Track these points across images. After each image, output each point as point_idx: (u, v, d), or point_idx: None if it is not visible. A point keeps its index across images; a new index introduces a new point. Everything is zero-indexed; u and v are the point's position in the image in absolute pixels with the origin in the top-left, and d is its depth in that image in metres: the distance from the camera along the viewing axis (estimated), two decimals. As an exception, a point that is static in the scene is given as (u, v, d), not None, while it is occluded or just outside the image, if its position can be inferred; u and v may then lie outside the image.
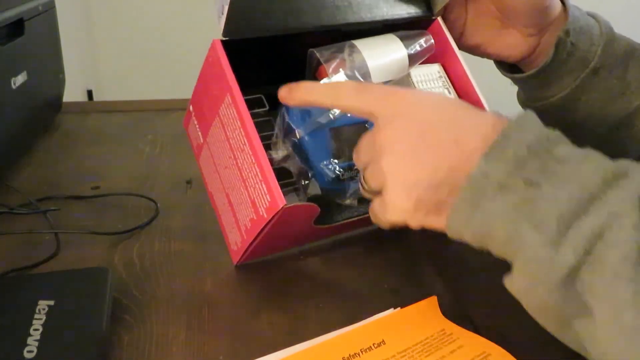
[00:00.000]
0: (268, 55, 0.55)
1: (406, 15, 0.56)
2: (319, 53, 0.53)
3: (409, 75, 0.55)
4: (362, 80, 0.52)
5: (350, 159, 0.51)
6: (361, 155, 0.44)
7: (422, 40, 0.55)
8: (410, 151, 0.39)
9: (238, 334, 0.47)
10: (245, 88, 0.48)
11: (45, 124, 0.88)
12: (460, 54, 0.56)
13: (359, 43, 0.53)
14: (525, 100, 0.64)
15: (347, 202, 0.53)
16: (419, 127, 0.39)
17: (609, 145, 0.62)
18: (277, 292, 0.53)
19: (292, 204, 0.45)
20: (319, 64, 0.54)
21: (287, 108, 0.50)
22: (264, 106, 0.51)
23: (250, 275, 0.54)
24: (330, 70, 0.52)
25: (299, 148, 0.51)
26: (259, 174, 0.46)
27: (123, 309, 0.49)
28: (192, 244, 0.59)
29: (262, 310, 0.50)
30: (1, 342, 0.42)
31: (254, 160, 0.46)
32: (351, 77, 0.52)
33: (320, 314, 0.50)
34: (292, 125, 0.51)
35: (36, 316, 0.44)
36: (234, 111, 0.48)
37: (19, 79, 0.73)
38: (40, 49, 0.83)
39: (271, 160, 0.47)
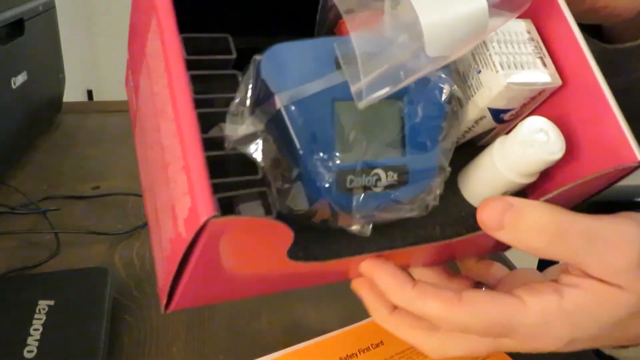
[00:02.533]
0: None
1: None
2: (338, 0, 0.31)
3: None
4: (411, 43, 0.31)
5: (367, 154, 0.32)
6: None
7: None
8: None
9: (238, 334, 0.47)
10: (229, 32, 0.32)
11: (45, 124, 0.88)
12: (566, 10, 0.36)
13: None
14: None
15: (354, 227, 0.32)
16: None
17: None
18: (277, 292, 0.53)
19: (230, 217, 0.25)
20: (339, 17, 0.34)
21: (265, 57, 0.31)
22: (229, 52, 0.32)
23: (250, 276, 0.55)
24: (355, 28, 0.30)
25: (277, 125, 0.31)
26: (181, 158, 0.26)
27: (123, 309, 0.49)
28: (191, 244, 0.59)
29: (262, 310, 0.50)
30: (1, 342, 0.42)
31: (176, 133, 0.27)
32: (391, 42, 0.31)
33: (320, 314, 0.50)
34: (270, 87, 0.30)
35: (36, 316, 0.44)
36: (159, 45, 0.29)
37: (19, 79, 0.73)
38: (40, 49, 0.83)
39: (219, 139, 0.29)
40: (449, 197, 0.36)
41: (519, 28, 0.36)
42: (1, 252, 0.57)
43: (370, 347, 0.44)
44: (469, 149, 0.38)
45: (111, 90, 2.32)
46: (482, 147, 0.36)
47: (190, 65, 0.29)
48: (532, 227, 0.30)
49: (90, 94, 2.19)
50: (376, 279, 0.33)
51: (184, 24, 0.31)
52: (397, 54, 0.30)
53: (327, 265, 0.32)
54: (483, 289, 0.37)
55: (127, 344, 0.45)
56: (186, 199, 0.25)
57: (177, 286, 0.30)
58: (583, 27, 0.46)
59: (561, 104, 0.36)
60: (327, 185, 0.31)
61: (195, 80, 0.29)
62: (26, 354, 0.41)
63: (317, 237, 0.32)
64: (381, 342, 0.44)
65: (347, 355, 0.43)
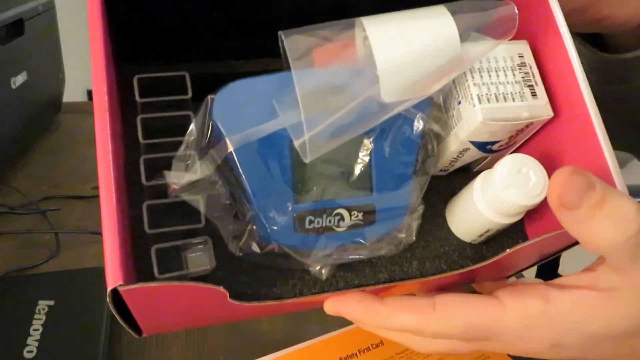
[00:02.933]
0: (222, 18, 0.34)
1: None
2: (288, 39, 0.28)
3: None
4: (367, 87, 0.28)
5: (328, 193, 0.31)
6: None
7: (493, 12, 0.29)
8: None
9: (238, 334, 0.47)
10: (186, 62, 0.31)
11: (45, 124, 0.88)
12: (565, 29, 0.32)
13: (369, 21, 0.28)
14: (601, 85, 0.48)
15: (314, 269, 0.32)
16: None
17: None
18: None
19: (137, 286, 0.24)
20: (302, 56, 0.29)
21: (218, 97, 0.29)
22: (184, 92, 0.30)
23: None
24: (303, 69, 0.28)
25: (230, 168, 0.30)
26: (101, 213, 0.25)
27: (123, 309, 0.49)
28: (191, 244, 0.59)
29: (261, 310, 0.50)
30: (1, 342, 0.42)
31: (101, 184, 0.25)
32: (345, 87, 0.28)
33: (320, 314, 0.49)
34: (221, 128, 0.29)
35: (36, 316, 0.44)
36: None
37: (19, 79, 0.73)
38: (40, 49, 0.83)
39: (162, 187, 0.28)
40: (433, 230, 0.35)
41: (509, 53, 0.32)
42: (1, 252, 0.57)
43: (370, 347, 0.44)
44: (462, 176, 0.36)
45: (111, 90, 2.32)
46: (477, 173, 0.33)
47: (143, 107, 0.29)
48: (615, 217, 0.26)
49: (90, 94, 2.18)
50: (344, 313, 0.31)
51: (166, 50, 0.31)
52: (350, 100, 0.28)
53: (288, 302, 0.31)
54: None
55: (127, 344, 0.45)
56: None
57: (133, 318, 0.29)
58: (585, 36, 0.46)
59: (553, 136, 0.33)
60: (276, 228, 0.30)
61: (148, 123, 0.29)
62: (26, 354, 0.41)
63: (279, 275, 0.32)
64: (381, 342, 0.44)
65: (347, 355, 0.43)
